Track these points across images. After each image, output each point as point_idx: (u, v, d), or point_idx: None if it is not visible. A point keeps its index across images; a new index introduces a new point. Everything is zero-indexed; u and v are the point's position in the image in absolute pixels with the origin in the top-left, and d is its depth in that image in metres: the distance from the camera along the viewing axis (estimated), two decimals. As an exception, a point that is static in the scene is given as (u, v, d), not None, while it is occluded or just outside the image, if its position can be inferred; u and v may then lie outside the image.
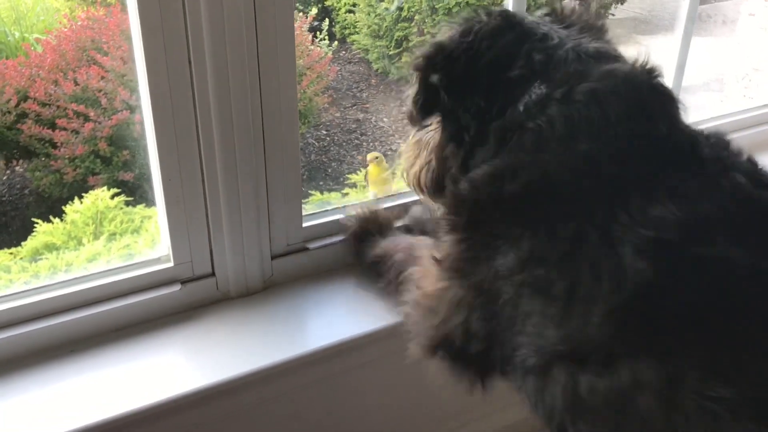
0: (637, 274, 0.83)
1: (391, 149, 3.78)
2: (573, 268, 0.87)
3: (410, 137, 1.20)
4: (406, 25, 4.42)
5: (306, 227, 1.41)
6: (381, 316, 1.34)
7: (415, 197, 1.36)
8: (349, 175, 2.83)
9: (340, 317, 1.34)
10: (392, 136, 3.93)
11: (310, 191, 2.59)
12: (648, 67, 1.01)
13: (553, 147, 0.93)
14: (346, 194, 2.83)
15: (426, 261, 1.10)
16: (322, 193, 2.57)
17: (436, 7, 4.36)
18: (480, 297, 0.95)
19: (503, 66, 1.02)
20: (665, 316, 0.83)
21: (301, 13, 4.20)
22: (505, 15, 1.08)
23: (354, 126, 4.00)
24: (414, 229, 1.42)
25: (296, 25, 3.79)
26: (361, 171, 2.74)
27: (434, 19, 4.37)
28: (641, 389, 0.80)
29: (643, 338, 0.83)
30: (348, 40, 4.88)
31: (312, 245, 1.42)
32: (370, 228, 1.40)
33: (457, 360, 1.01)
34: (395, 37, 4.45)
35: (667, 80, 1.85)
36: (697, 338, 0.81)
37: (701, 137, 0.96)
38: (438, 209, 1.22)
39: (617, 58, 1.04)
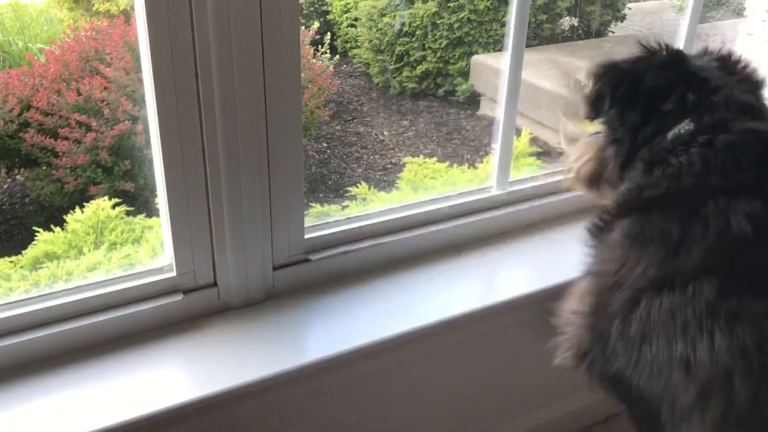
0: (739, 230, 1.08)
1: (391, 162, 3.79)
2: (688, 225, 1.12)
3: (582, 140, 1.44)
4: (407, 40, 4.45)
5: (308, 239, 1.42)
6: (382, 328, 1.34)
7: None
8: (349, 188, 2.83)
9: (340, 328, 1.34)
10: (393, 149, 3.95)
11: (310, 203, 2.59)
12: None
13: (688, 179, 1.16)
14: (346, 206, 2.84)
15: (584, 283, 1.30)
16: (322, 205, 2.57)
17: (438, 23, 4.39)
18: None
19: (660, 96, 1.22)
20: (744, 261, 1.09)
21: (303, 27, 4.23)
22: (675, 53, 1.27)
23: (354, 139, 4.01)
24: None
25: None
26: (361, 184, 2.75)
27: (435, 35, 4.40)
28: (695, 301, 1.06)
29: (717, 266, 1.08)
30: (349, 54, 4.92)
31: (314, 257, 1.43)
32: None
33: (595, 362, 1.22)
34: (396, 52, 4.48)
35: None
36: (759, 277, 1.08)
37: None
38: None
39: (761, 113, 1.23)
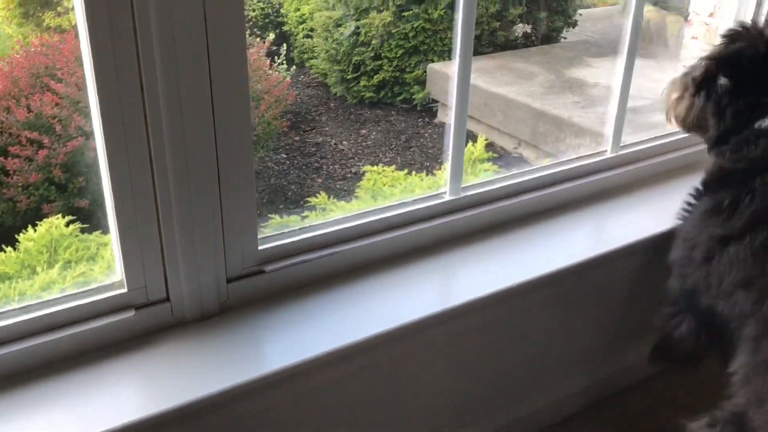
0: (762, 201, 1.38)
1: (351, 171, 3.80)
2: (739, 193, 1.41)
3: (676, 77, 1.64)
4: (363, 49, 4.48)
5: (262, 250, 1.41)
6: (339, 337, 1.34)
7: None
8: (309, 198, 2.83)
9: (297, 338, 1.34)
10: (352, 158, 3.96)
11: (269, 215, 2.58)
12: None
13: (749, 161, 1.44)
14: (306, 217, 2.83)
15: None
16: (281, 216, 2.56)
17: (393, 32, 4.42)
18: None
19: (759, 90, 1.45)
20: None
21: (258, 39, 4.22)
22: None
23: (313, 149, 4.01)
24: None
25: (254, 50, 3.81)
26: (320, 194, 2.74)
27: (390, 45, 4.43)
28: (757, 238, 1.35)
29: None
30: (306, 64, 4.92)
31: (268, 268, 1.42)
32: None
33: None
34: (353, 62, 4.49)
35: (613, 101, 1.92)
36: None
37: None
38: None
39: None
